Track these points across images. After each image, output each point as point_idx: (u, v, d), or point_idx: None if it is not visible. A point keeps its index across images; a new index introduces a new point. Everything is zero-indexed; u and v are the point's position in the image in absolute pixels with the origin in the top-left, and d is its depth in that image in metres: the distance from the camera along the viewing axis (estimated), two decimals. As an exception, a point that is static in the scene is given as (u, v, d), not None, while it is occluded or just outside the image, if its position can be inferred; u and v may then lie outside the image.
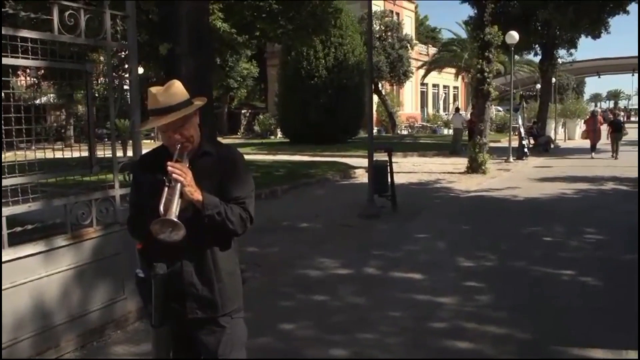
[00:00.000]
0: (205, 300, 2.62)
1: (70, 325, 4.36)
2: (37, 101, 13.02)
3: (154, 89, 2.54)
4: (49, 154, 4.63)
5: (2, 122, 4.09)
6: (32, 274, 4.08)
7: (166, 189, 2.42)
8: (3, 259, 3.87)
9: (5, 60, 4.04)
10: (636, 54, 35.25)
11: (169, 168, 2.42)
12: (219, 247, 2.65)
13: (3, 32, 3.90)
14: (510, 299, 5.60)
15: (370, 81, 10.91)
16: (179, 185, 2.41)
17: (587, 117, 26.23)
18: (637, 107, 79.53)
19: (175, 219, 2.36)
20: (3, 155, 4.10)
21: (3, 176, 4.03)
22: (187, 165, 2.52)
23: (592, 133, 22.87)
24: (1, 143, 4.04)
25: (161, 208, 2.38)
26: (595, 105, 70.97)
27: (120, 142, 7.88)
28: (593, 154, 22.08)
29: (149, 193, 2.53)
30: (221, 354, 2.66)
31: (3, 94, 7.94)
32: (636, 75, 53.75)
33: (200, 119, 2.70)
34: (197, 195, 2.47)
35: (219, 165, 2.64)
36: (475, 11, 18.59)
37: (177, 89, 2.57)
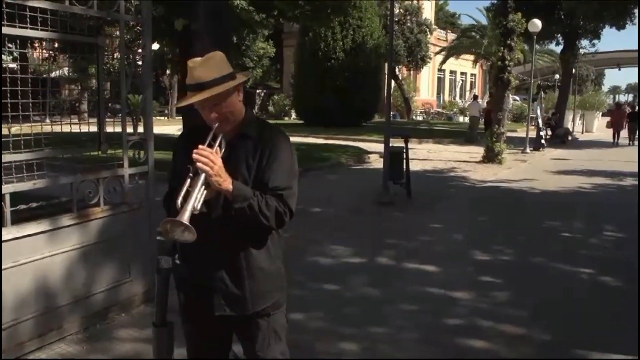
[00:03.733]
0: (234, 297, 2.37)
1: (73, 306, 4.22)
2: (52, 74, 12.93)
3: (191, 62, 2.25)
4: (60, 128, 4.48)
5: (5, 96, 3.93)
6: (36, 253, 3.94)
7: (189, 180, 2.14)
8: (6, 237, 3.73)
9: (10, 31, 3.86)
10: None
11: (194, 156, 2.12)
12: (252, 243, 2.38)
13: (10, 1, 3.72)
14: (528, 297, 5.41)
15: (390, 66, 10.64)
16: (203, 175, 2.12)
17: (613, 108, 28.31)
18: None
19: (187, 222, 2.03)
20: (11, 130, 3.96)
21: (8, 151, 3.87)
22: (222, 149, 2.26)
23: (616, 123, 24.57)
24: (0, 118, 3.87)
25: (178, 202, 2.10)
26: (614, 99, 70.41)
27: (133, 118, 7.75)
28: (617, 142, 23.85)
29: (179, 175, 2.26)
30: (259, 349, 2.45)
31: (19, 66, 7.82)
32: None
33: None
34: (227, 184, 2.17)
35: (260, 150, 2.33)
36: (499, -3, 18.26)
37: (216, 62, 2.28)
